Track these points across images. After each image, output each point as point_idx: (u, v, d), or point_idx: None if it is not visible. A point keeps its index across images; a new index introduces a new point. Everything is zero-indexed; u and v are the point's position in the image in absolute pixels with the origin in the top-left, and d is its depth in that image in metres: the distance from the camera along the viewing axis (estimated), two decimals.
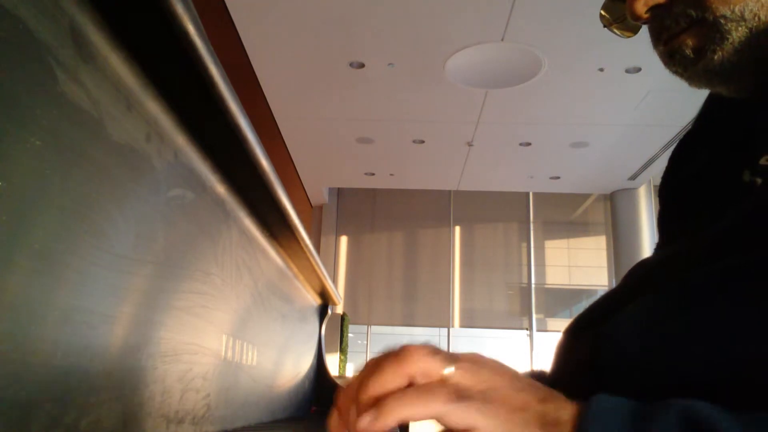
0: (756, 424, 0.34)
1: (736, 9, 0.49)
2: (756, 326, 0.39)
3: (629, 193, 7.42)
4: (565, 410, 0.36)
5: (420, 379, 0.36)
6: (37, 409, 0.48)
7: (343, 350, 6.99)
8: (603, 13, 0.65)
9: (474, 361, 0.38)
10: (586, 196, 8.09)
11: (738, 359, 0.39)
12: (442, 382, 0.36)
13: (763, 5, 0.49)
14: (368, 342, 8.14)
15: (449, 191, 8.11)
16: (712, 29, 0.51)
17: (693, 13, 0.51)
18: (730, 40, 0.50)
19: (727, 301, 0.41)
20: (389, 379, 0.36)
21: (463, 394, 0.35)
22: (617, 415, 0.35)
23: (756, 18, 0.49)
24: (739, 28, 0.49)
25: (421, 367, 0.36)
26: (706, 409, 0.34)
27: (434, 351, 0.37)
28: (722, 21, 0.50)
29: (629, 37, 0.65)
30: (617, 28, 0.65)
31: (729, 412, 0.34)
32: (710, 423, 0.33)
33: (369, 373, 0.37)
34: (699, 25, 0.52)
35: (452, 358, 0.37)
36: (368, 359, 0.39)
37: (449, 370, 0.36)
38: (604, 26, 0.66)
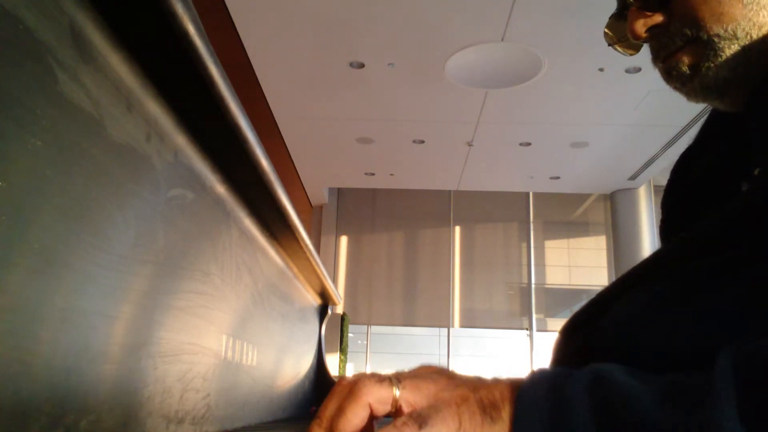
0: (661, 386, 0.37)
1: (729, 28, 0.53)
2: (743, 319, 0.41)
3: (629, 193, 7.42)
4: (496, 390, 0.42)
5: (377, 406, 0.41)
6: (37, 409, 0.48)
7: (343, 350, 6.99)
8: (607, 31, 0.69)
9: (414, 376, 0.43)
10: (586, 196, 8.09)
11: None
12: (405, 419, 0.40)
13: (754, 24, 0.52)
14: (368, 342, 8.14)
15: (449, 191, 8.11)
16: (706, 47, 0.54)
17: (689, 33, 0.55)
18: (724, 58, 0.54)
19: (722, 293, 0.43)
20: (355, 414, 0.41)
21: (422, 418, 0.40)
22: (542, 381, 0.40)
23: (748, 37, 0.53)
24: (732, 46, 0.53)
25: (375, 396, 0.41)
26: (615, 371, 0.39)
27: (380, 378, 0.42)
28: (716, 39, 0.53)
29: (632, 54, 0.69)
30: (620, 47, 0.69)
31: (639, 375, 0.39)
32: (616, 379, 0.38)
33: (335, 415, 0.42)
34: (694, 43, 0.55)
35: (397, 380, 0.42)
36: (326, 398, 0.44)
37: (397, 393, 0.42)
38: (609, 45, 0.70)
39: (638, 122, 5.58)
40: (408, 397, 0.42)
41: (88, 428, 0.55)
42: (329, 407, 0.43)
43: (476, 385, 0.42)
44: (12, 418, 0.45)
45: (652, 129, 5.72)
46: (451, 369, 0.47)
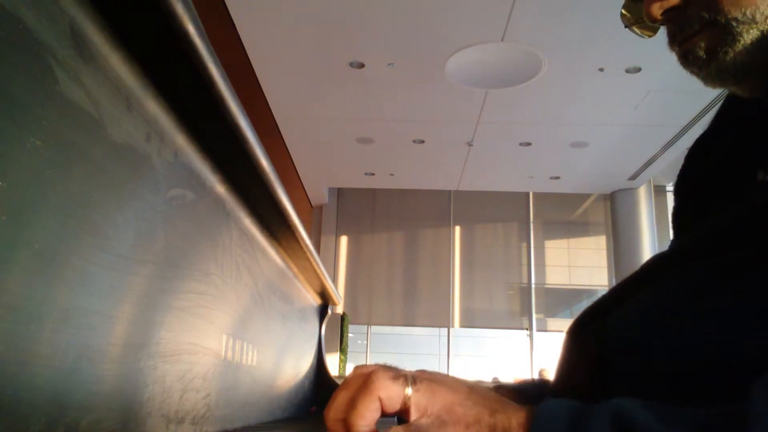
0: (686, 422, 0.35)
1: (748, 12, 0.51)
2: (748, 319, 0.40)
3: (629, 193, 7.42)
4: (514, 417, 0.40)
5: (386, 402, 0.41)
6: (37, 409, 0.48)
7: (343, 350, 7.00)
8: (624, 12, 0.67)
9: (431, 380, 0.42)
10: (586, 196, 8.09)
11: (736, 349, 0.40)
12: (402, 429, 0.40)
13: None
14: (368, 342, 8.15)
15: (449, 191, 8.11)
16: (724, 31, 0.53)
17: (706, 16, 0.54)
18: (742, 42, 0.52)
19: (730, 292, 0.42)
20: (366, 407, 0.41)
21: (420, 428, 0.39)
22: (560, 417, 0.38)
23: (767, 20, 0.51)
24: (751, 31, 0.51)
25: (386, 392, 0.41)
26: (638, 409, 0.37)
27: (395, 375, 0.42)
28: (734, 23, 0.52)
29: (649, 36, 0.67)
30: (637, 28, 0.67)
31: (661, 412, 0.36)
32: (640, 421, 0.36)
33: (348, 406, 0.42)
34: (712, 27, 0.54)
35: (412, 380, 0.42)
36: (342, 384, 0.44)
37: (409, 392, 0.41)
38: (625, 26, 0.68)
39: (638, 122, 5.58)
40: (420, 400, 0.41)
41: (88, 428, 0.55)
42: (342, 396, 0.42)
43: (495, 407, 0.41)
44: (12, 418, 0.45)
45: (652, 129, 5.72)
46: (471, 381, 0.46)
